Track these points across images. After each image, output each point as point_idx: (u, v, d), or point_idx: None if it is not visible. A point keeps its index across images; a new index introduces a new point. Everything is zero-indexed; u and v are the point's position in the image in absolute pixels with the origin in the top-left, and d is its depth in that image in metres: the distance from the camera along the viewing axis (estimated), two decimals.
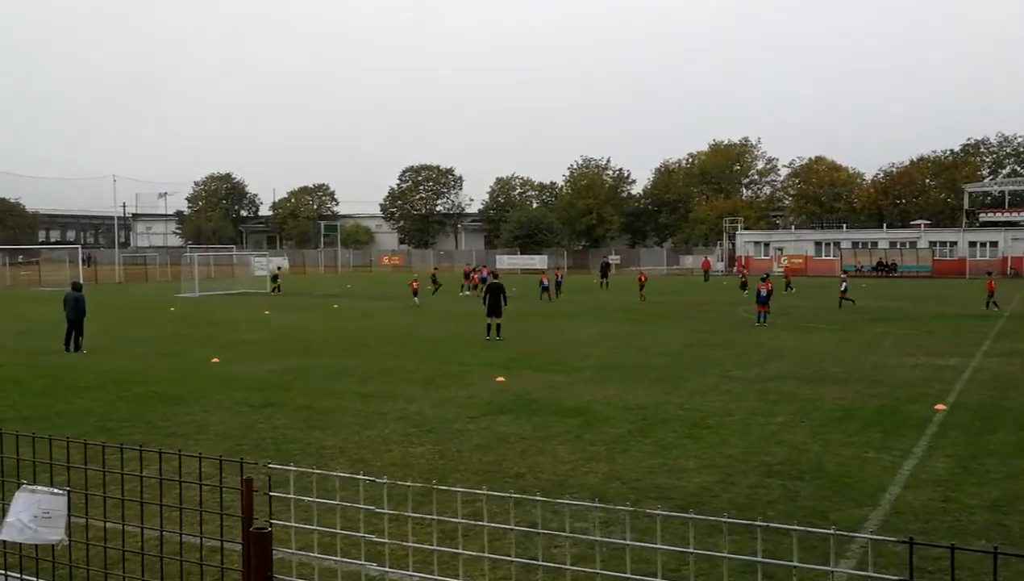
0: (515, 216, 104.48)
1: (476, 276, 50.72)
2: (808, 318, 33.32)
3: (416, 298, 42.85)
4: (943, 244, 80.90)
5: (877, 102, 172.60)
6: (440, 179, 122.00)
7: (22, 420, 13.83)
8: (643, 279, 46.67)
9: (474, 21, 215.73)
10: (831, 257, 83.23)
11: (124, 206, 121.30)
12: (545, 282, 47.33)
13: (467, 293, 49.29)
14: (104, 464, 4.84)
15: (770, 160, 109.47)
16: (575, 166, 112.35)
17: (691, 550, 3.31)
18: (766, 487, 10.13)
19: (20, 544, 4.62)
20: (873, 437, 12.70)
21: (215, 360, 21.28)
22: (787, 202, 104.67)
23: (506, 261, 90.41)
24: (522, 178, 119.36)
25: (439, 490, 3.72)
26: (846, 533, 3.50)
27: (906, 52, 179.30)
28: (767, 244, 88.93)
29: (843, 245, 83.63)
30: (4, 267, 66.58)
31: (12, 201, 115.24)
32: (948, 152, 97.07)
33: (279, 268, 57.60)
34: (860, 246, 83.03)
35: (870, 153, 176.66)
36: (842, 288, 40.09)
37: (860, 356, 22.06)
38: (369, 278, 71.32)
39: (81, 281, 31.74)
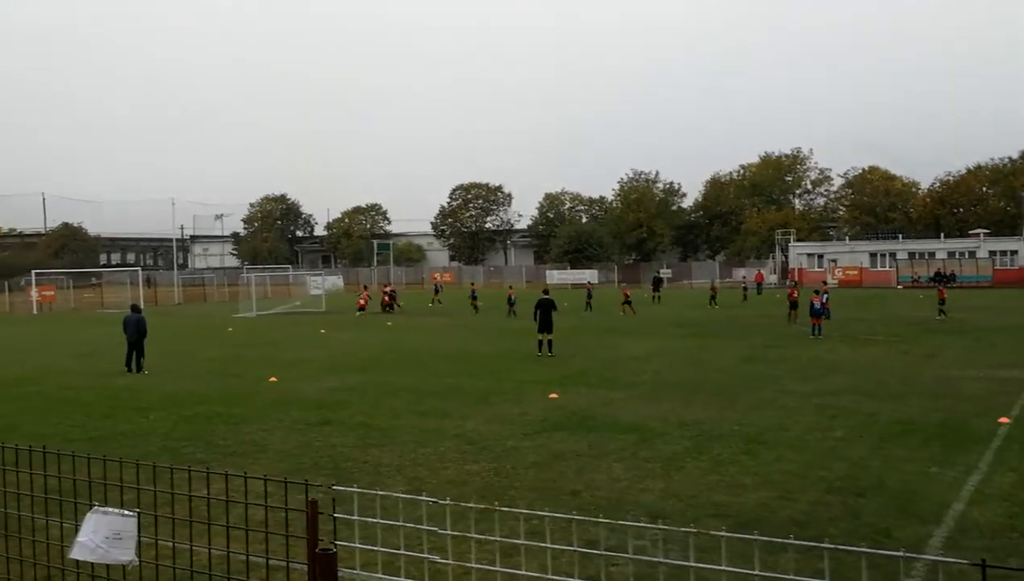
0: (564, 231, 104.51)
1: (366, 295, 52.09)
2: (865, 330, 32.80)
3: (359, 312, 46.95)
4: (1003, 253, 79.10)
5: (931, 110, 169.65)
6: (489, 196, 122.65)
7: (89, 440, 14.17)
8: (626, 294, 47.77)
9: (520, 41, 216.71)
10: (887, 268, 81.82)
11: (182, 228, 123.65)
12: (590, 291, 50.46)
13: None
14: (172, 485, 4.95)
15: (822, 171, 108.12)
16: (625, 180, 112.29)
17: (756, 572, 3.30)
18: (826, 504, 9.99)
19: (92, 564, 4.75)
20: (935, 452, 12.46)
21: (273, 379, 21.59)
22: (841, 213, 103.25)
23: (556, 276, 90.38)
24: (571, 193, 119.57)
25: (500, 511, 3.75)
26: (916, 556, 3.47)
27: (960, 58, 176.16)
28: (821, 256, 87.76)
29: (899, 256, 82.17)
30: (69, 290, 68.23)
31: (75, 225, 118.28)
32: (1006, 159, 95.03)
33: (390, 287, 57.86)
34: (917, 257, 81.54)
35: (925, 162, 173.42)
36: (824, 299, 37.81)
37: (920, 369, 21.67)
38: (421, 295, 71.75)
39: (141, 303, 32.41)
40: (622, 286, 54.70)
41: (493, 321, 41.82)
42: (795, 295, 37.62)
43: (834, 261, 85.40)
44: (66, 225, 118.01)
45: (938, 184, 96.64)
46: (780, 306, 48.91)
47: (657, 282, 59.95)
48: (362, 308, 48.32)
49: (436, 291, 53.51)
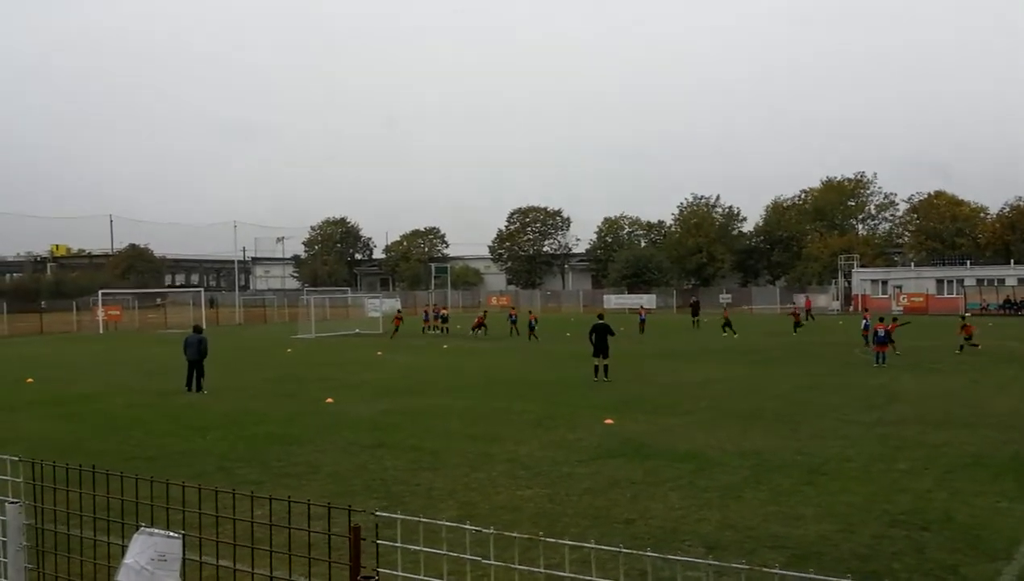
0: (623, 255, 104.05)
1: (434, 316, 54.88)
2: (932, 359, 31.93)
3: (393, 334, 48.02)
4: None
5: (999, 133, 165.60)
6: (547, 220, 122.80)
7: (148, 459, 14.35)
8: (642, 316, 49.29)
9: (582, 62, 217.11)
10: (954, 295, 79.70)
11: (244, 250, 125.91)
12: (643, 316, 50.11)
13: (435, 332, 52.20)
14: (217, 507, 4.92)
15: (887, 195, 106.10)
16: (684, 204, 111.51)
17: None
18: (890, 537, 9.65)
19: None
20: (1007, 486, 12.00)
21: (329, 400, 21.71)
22: (906, 238, 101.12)
23: (613, 301, 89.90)
24: (630, 217, 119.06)
25: (545, 541, 3.63)
26: None
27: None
28: (885, 282, 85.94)
29: (967, 282, 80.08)
30: (134, 309, 69.68)
31: (141, 246, 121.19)
32: None
33: (445, 310, 60.20)
34: (985, 283, 79.34)
35: (994, 187, 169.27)
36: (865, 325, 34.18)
37: (990, 399, 20.97)
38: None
39: (203, 324, 32.94)
40: (640, 309, 54.18)
41: (547, 346, 41.65)
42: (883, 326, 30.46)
43: (899, 287, 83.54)
44: (132, 246, 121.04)
45: (1008, 209, 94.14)
46: (843, 333, 47.97)
47: (695, 307, 59.19)
48: (477, 326, 50.82)
49: (530, 329, 48.94)
